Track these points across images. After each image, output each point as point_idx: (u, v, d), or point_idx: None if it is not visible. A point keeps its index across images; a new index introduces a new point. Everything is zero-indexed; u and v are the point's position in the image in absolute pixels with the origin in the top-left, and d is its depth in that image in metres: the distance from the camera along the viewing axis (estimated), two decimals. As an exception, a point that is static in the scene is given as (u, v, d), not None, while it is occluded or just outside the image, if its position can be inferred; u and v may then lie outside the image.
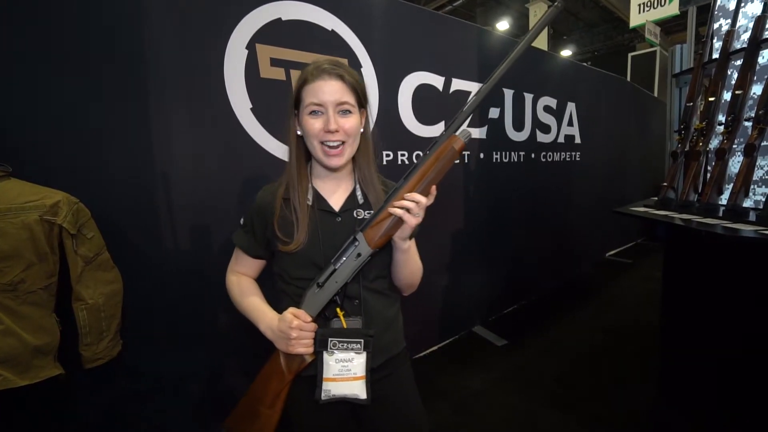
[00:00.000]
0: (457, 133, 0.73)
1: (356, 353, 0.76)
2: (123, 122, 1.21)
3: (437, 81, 2.07)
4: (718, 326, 1.40)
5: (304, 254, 0.77)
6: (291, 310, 0.75)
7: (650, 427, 1.61)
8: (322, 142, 0.74)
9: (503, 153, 2.57)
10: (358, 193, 0.82)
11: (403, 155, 1.96)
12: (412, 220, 0.71)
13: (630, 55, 5.84)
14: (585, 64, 4.99)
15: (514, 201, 2.74)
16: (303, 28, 1.54)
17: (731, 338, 1.37)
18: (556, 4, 0.74)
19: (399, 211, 0.70)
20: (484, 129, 2.40)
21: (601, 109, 3.57)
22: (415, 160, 2.00)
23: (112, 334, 1.12)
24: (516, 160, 2.66)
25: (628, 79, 5.40)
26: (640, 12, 4.49)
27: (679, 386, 1.64)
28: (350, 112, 0.75)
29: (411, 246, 0.81)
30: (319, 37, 1.59)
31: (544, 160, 2.92)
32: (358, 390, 0.76)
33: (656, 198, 1.69)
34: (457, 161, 2.29)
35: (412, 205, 0.70)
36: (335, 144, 0.74)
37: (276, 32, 1.47)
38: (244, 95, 1.41)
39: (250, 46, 1.41)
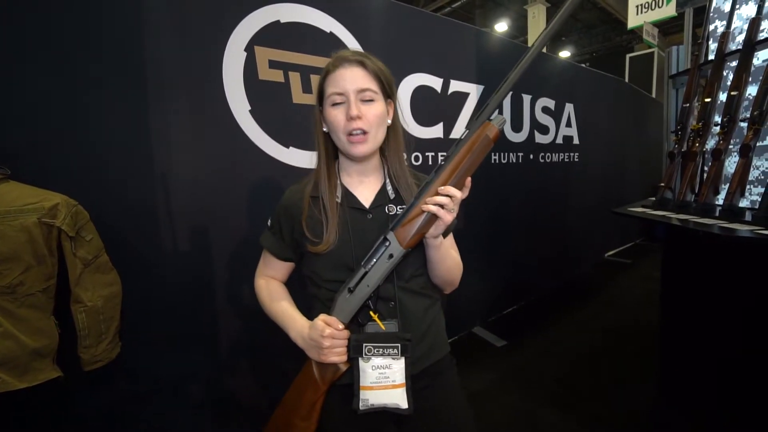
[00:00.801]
0: (491, 119, 0.68)
1: (394, 359, 0.71)
2: (122, 124, 1.21)
3: (435, 82, 2.08)
4: (717, 325, 1.41)
5: (334, 255, 0.73)
6: (322, 317, 0.72)
7: (650, 427, 1.61)
8: (347, 134, 0.71)
9: (502, 154, 2.58)
10: (389, 187, 0.78)
11: (401, 156, 1.96)
12: (447, 216, 0.67)
13: (628, 56, 5.87)
14: (583, 65, 5.01)
15: (513, 202, 2.75)
16: (301, 30, 1.55)
17: (730, 337, 1.37)
18: None
19: (433, 208, 0.66)
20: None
21: (599, 110, 3.59)
22: (413, 162, 2.01)
23: (111, 336, 1.12)
24: (514, 161, 2.67)
25: (626, 80, 5.42)
26: (638, 13, 4.51)
27: (678, 386, 1.64)
28: (373, 100, 0.72)
29: (446, 242, 0.76)
30: (318, 39, 1.60)
31: (542, 160, 2.93)
32: (398, 399, 0.70)
33: (654, 198, 1.70)
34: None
35: (446, 201, 0.66)
36: (358, 132, 0.71)
37: (274, 34, 1.47)
38: (243, 97, 1.42)
39: (249, 48, 1.42)
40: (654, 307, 1.87)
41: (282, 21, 1.49)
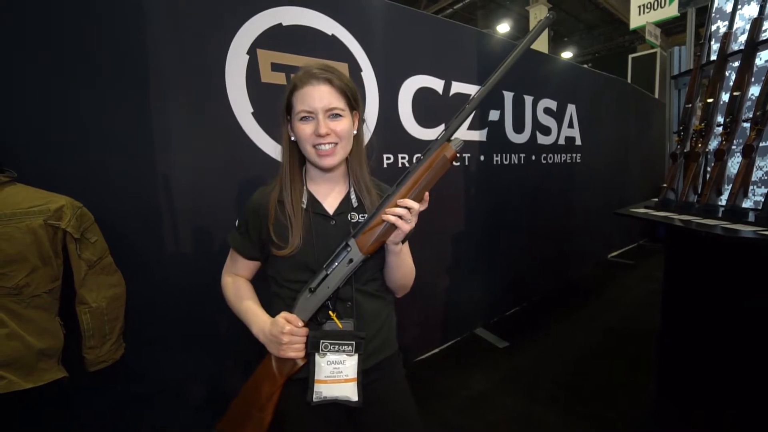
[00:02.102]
0: (451, 141, 0.75)
1: (348, 355, 0.77)
2: (124, 127, 1.22)
3: (437, 84, 2.09)
4: (719, 327, 1.40)
5: (297, 258, 0.77)
6: (283, 314, 0.76)
7: (651, 429, 1.61)
8: (314, 146, 0.75)
9: (503, 155, 2.58)
10: (353, 196, 0.83)
11: (403, 158, 1.97)
12: (405, 226, 0.72)
13: (630, 56, 5.85)
14: (586, 65, 5.01)
15: (515, 203, 2.75)
16: (303, 33, 1.56)
17: (732, 338, 1.37)
18: (547, 15, 0.76)
19: (392, 218, 0.72)
20: (485, 131, 2.41)
21: (601, 111, 3.58)
22: (413, 162, 2.01)
23: (115, 337, 1.13)
24: (516, 162, 2.67)
25: (629, 80, 5.41)
26: (640, 14, 4.50)
27: (679, 387, 1.63)
28: (340, 115, 0.76)
29: (404, 249, 0.82)
30: (320, 41, 1.60)
31: (544, 161, 2.93)
32: (349, 392, 0.76)
33: (657, 199, 1.69)
34: (457, 163, 2.30)
35: (404, 212, 0.71)
36: (327, 147, 0.75)
37: (277, 37, 1.48)
38: (246, 100, 1.43)
39: (251, 51, 1.43)
40: (656, 308, 1.87)
41: (284, 24, 1.50)
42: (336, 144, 0.76)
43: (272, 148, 1.50)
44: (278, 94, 1.49)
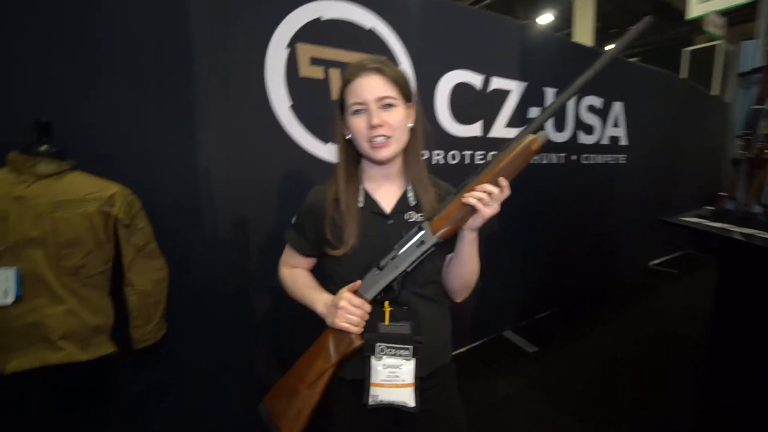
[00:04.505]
0: (537, 134, 0.72)
1: (405, 359, 0.74)
2: (169, 120, 1.27)
3: (476, 79, 2.03)
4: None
5: (353, 258, 0.76)
6: (348, 285, 0.75)
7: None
8: (368, 140, 0.74)
9: (542, 154, 2.48)
10: (410, 194, 0.81)
11: (438, 155, 1.94)
12: (486, 210, 0.70)
13: (686, 50, 5.42)
14: (635, 59, 4.69)
15: (551, 204, 2.64)
16: (342, 27, 1.56)
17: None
18: (645, 19, 0.73)
19: (472, 200, 0.69)
20: (515, 131, 2.32)
21: (651, 109, 3.35)
22: (450, 160, 1.98)
23: (158, 317, 1.20)
24: (555, 161, 2.56)
25: (684, 75, 5.02)
26: (701, 1, 4.09)
27: (720, 408, 1.52)
28: (393, 105, 0.74)
29: (476, 240, 0.80)
30: (358, 35, 1.60)
31: (585, 162, 2.79)
32: (406, 397, 0.74)
33: (711, 207, 1.57)
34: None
35: (484, 195, 0.69)
36: (380, 139, 0.73)
37: (316, 31, 1.49)
38: (285, 94, 1.45)
39: (291, 45, 1.45)
40: (698, 321, 1.75)
41: (323, 18, 1.51)
42: (390, 136, 0.74)
43: (309, 143, 1.52)
44: (316, 88, 1.52)
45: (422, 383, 0.76)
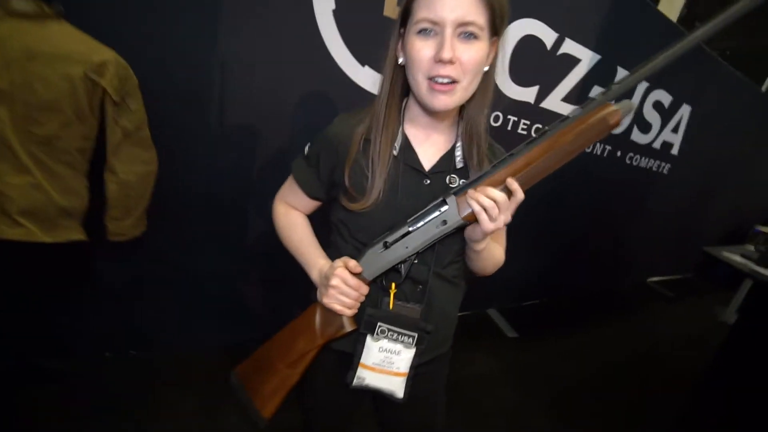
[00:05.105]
0: (616, 103, 0.54)
1: (405, 347, 0.64)
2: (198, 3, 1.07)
3: (549, 36, 1.73)
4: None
5: (372, 216, 0.62)
6: (345, 258, 0.63)
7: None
8: (429, 77, 0.55)
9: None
10: (458, 153, 0.64)
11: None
12: (488, 225, 0.55)
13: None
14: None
15: (575, 194, 2.44)
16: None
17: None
18: None
19: (475, 206, 0.55)
20: (570, 108, 2.05)
21: (721, 121, 2.99)
22: (492, 123, 1.76)
23: (138, 214, 1.09)
24: (598, 153, 2.33)
25: (766, 89, 4.47)
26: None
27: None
28: (476, 37, 0.54)
29: (501, 233, 0.69)
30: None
31: (628, 161, 2.55)
32: (396, 387, 0.65)
33: (753, 248, 1.41)
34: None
35: (489, 203, 0.54)
36: (445, 80, 0.55)
37: None
38: (329, -6, 1.20)
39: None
40: (685, 351, 1.69)
41: None
42: (457, 81, 0.55)
43: (345, 59, 1.30)
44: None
45: (415, 371, 0.67)
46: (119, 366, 1.40)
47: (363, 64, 1.32)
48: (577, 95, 2.00)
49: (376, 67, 1.32)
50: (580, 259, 2.87)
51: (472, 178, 0.59)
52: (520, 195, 0.56)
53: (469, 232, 0.61)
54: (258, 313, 1.61)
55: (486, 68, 0.59)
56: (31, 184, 0.87)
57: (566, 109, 2.00)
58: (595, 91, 2.06)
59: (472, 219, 0.57)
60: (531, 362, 2.05)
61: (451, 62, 0.53)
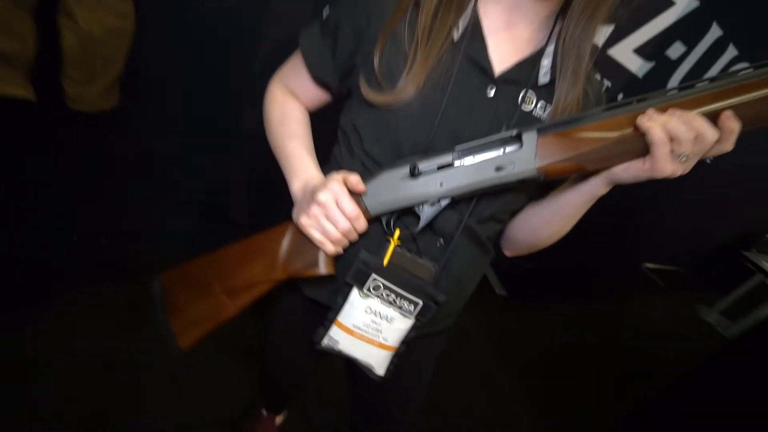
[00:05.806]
0: None
1: (402, 315, 0.49)
2: None
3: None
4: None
5: (400, 119, 0.43)
6: (344, 172, 0.45)
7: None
8: None
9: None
10: (546, 61, 0.44)
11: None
12: (668, 166, 0.38)
13: None
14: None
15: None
16: None
17: None
18: None
19: (658, 134, 0.36)
20: (648, 64, 1.73)
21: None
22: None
23: (108, 82, 0.89)
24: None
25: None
26: None
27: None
28: None
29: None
30: None
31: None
32: (376, 361, 0.52)
33: None
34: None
35: (685, 134, 0.35)
36: None
37: None
38: None
39: None
40: (658, 342, 1.63)
41: None
42: None
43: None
44: None
45: (407, 346, 0.54)
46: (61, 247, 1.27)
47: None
48: (651, 50, 1.67)
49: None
50: (592, 229, 2.73)
51: (576, 116, 0.40)
52: (730, 141, 0.37)
53: (618, 171, 0.42)
54: (239, 222, 1.49)
55: None
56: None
57: (636, 63, 1.69)
58: (675, 48, 1.72)
59: (555, 175, 0.40)
60: (511, 323, 2.04)
61: None
